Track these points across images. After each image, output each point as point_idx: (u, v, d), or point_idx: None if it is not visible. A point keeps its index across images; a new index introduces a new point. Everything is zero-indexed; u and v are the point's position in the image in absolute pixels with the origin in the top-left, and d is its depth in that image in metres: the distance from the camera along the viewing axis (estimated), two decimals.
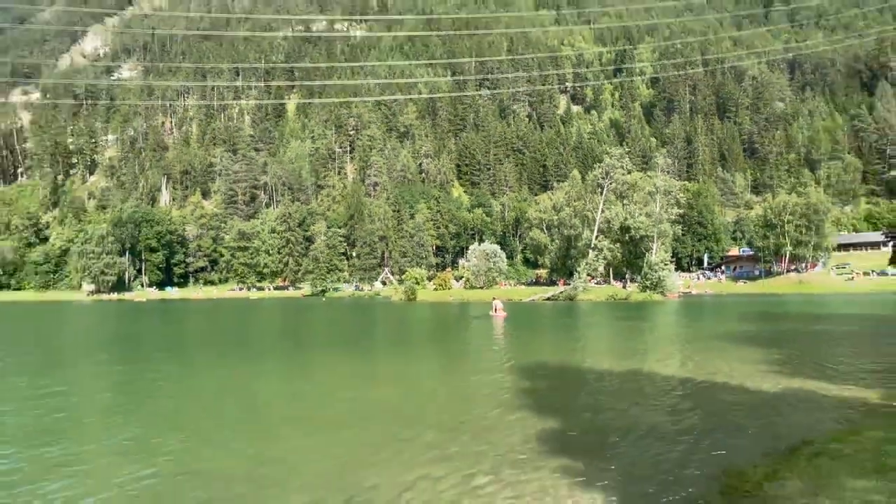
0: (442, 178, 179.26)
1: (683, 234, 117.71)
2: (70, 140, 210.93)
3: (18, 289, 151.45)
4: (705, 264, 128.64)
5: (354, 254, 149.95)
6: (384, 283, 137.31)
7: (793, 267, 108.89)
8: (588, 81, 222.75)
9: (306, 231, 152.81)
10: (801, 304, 65.02)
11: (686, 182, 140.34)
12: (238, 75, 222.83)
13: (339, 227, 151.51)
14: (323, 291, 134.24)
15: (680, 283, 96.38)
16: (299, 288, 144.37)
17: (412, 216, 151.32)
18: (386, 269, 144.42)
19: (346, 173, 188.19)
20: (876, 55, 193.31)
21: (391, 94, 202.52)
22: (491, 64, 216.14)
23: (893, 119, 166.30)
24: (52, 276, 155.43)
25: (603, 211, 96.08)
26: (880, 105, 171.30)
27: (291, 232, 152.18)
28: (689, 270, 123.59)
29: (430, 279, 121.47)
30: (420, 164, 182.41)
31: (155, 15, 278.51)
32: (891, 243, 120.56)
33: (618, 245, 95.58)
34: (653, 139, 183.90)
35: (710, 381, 19.01)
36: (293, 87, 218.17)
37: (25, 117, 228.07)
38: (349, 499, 9.19)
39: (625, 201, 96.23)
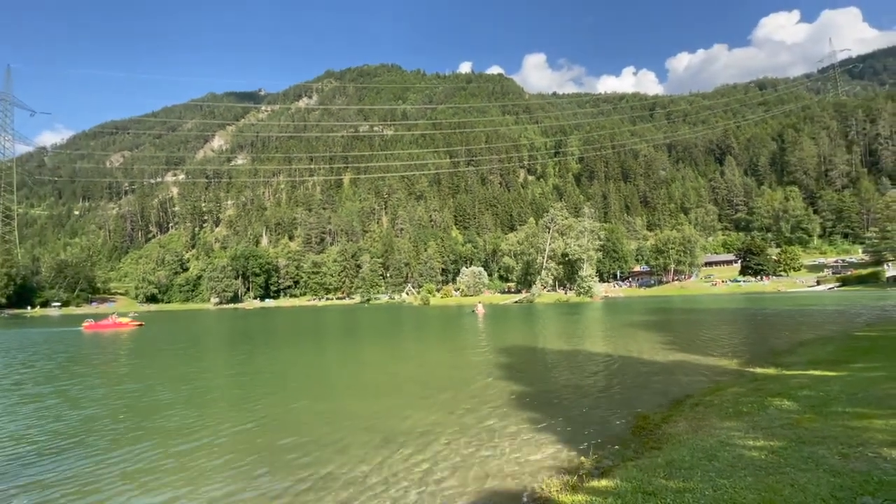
0: (444, 224, 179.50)
1: (603, 258, 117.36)
2: (203, 205, 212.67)
3: (168, 302, 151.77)
4: (618, 277, 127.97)
5: (388, 274, 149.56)
6: (408, 294, 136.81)
7: (676, 278, 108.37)
8: (537, 160, 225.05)
9: (356, 260, 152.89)
10: (682, 302, 64.58)
11: (604, 223, 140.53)
12: (311, 161, 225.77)
13: (378, 258, 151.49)
14: (367, 300, 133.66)
15: (602, 289, 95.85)
16: (352, 298, 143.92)
17: (426, 249, 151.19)
18: (409, 284, 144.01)
19: (382, 222, 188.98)
20: (723, 139, 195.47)
21: (411, 171, 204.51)
22: (475, 150, 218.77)
23: (736, 180, 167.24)
24: (190, 293, 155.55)
25: (550, 243, 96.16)
26: (727, 171, 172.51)
27: (346, 261, 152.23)
28: (607, 281, 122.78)
29: (438, 290, 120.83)
30: (430, 216, 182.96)
31: (258, 124, 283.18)
32: (739, 261, 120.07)
33: (560, 266, 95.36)
34: (581, 196, 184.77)
35: (624, 355, 18.76)
36: (347, 167, 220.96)
37: (175, 190, 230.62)
38: (388, 437, 9.06)
39: (564, 237, 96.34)
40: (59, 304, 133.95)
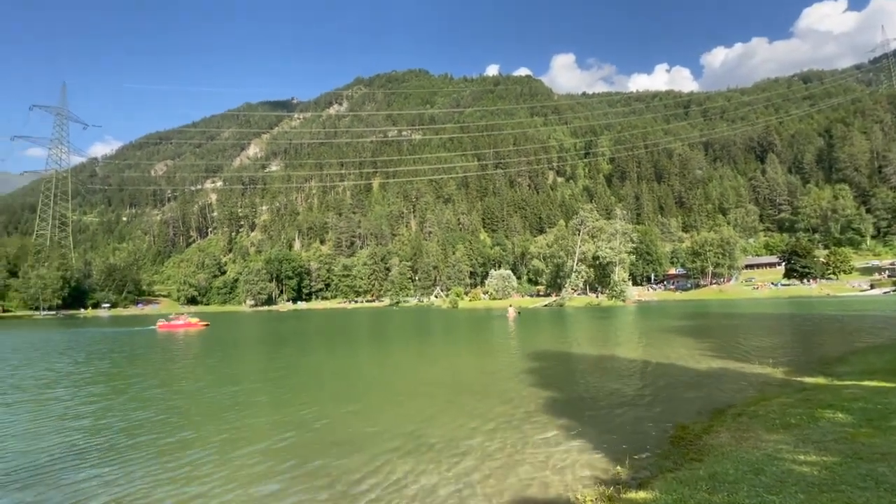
0: (472, 228, 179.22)
1: (636, 260, 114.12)
2: (239, 210, 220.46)
3: (207, 304, 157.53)
4: (652, 280, 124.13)
5: (417, 277, 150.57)
6: (436, 297, 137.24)
7: (714, 281, 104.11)
8: (567, 162, 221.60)
9: (385, 263, 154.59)
10: (720, 306, 61.92)
11: (636, 225, 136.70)
12: (342, 166, 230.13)
13: (407, 261, 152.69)
14: (397, 302, 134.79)
15: (635, 293, 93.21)
16: (381, 300, 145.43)
17: (454, 252, 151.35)
18: (437, 287, 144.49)
19: (410, 226, 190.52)
20: (765, 136, 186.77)
21: (439, 175, 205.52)
22: (503, 153, 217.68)
23: (779, 179, 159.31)
24: (227, 295, 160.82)
25: (580, 246, 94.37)
26: (769, 170, 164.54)
27: (376, 264, 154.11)
28: (641, 284, 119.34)
29: (466, 293, 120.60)
30: (458, 219, 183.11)
31: (291, 131, 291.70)
32: (783, 263, 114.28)
33: (591, 269, 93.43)
34: (612, 198, 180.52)
35: (659, 361, 18.15)
36: (376, 172, 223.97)
37: (213, 196, 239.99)
38: (420, 441, 9.07)
39: (595, 239, 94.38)
40: (108, 305, 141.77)
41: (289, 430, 10.11)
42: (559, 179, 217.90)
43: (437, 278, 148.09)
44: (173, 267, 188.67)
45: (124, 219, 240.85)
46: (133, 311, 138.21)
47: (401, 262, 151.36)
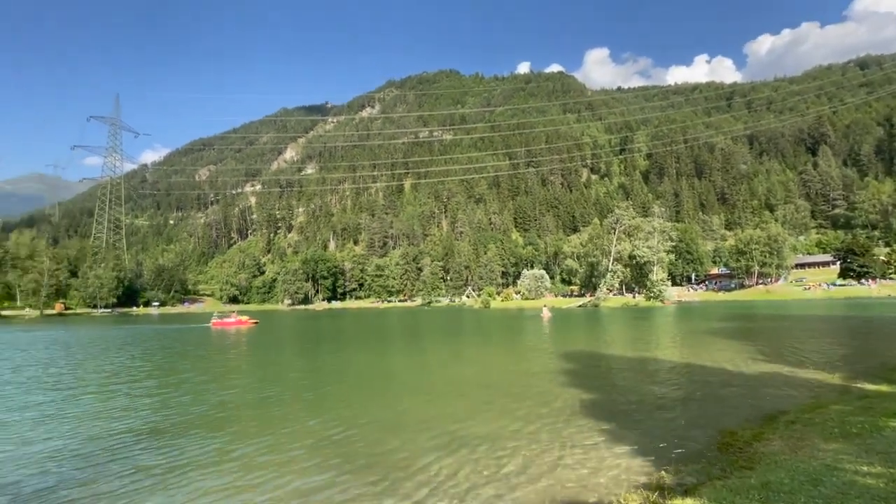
0: (504, 227, 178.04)
1: (676, 259, 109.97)
2: (277, 212, 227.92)
3: (247, 302, 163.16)
4: (693, 280, 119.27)
5: (448, 277, 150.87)
6: (468, 297, 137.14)
7: (760, 281, 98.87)
8: (601, 159, 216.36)
9: (417, 263, 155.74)
10: (768, 308, 58.71)
11: (675, 223, 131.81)
12: (374, 168, 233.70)
13: (439, 261, 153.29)
14: (429, 302, 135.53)
15: (674, 293, 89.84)
16: (413, 300, 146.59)
17: (485, 252, 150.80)
18: (469, 287, 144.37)
19: (442, 226, 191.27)
20: (816, 127, 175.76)
21: (470, 175, 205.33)
22: (535, 151, 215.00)
23: (833, 172, 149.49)
24: (266, 294, 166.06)
25: (616, 245, 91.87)
26: (822, 163, 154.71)
27: (408, 264, 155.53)
28: (680, 284, 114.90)
29: (498, 293, 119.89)
30: (490, 219, 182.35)
31: (326, 135, 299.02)
32: (838, 262, 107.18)
33: (628, 268, 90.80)
34: (650, 195, 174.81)
35: (702, 364, 17.44)
36: (408, 173, 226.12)
37: (252, 199, 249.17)
38: (455, 441, 9.10)
39: (631, 238, 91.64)
40: (158, 303, 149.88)
41: (334, 427, 10.33)
42: (593, 177, 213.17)
43: (469, 278, 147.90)
44: (216, 267, 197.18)
45: (171, 222, 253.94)
46: (180, 309, 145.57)
47: (432, 262, 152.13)
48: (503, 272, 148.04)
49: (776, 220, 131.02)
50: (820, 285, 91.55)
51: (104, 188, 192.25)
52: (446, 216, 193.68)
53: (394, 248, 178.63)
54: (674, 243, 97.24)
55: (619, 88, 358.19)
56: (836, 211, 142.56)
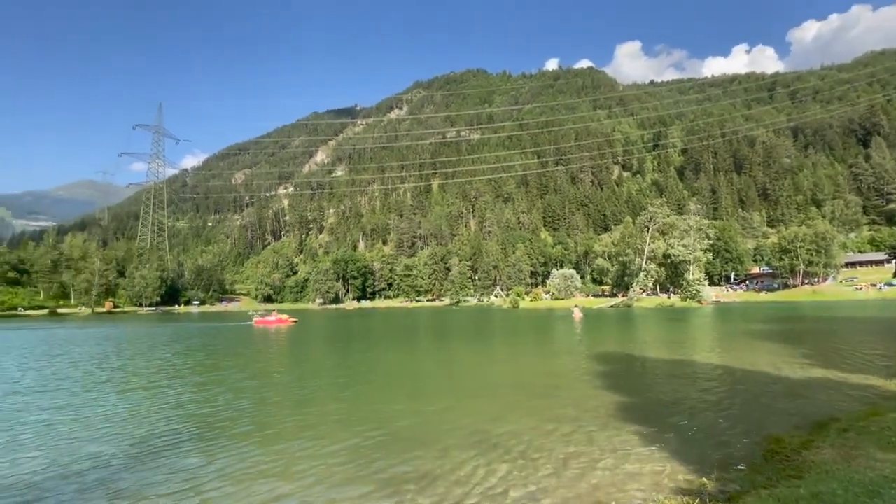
0: (533, 226, 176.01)
1: (714, 258, 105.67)
2: (308, 214, 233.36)
3: (281, 301, 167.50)
4: (732, 280, 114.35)
5: (476, 277, 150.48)
6: (496, 296, 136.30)
7: (806, 281, 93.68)
8: (633, 155, 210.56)
9: (445, 263, 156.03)
10: (814, 309, 55.51)
11: (713, 221, 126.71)
12: (402, 169, 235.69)
13: (467, 261, 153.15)
14: (457, 302, 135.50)
15: (712, 293, 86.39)
16: (442, 300, 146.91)
17: (514, 252, 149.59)
18: (497, 287, 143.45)
19: (470, 226, 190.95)
20: (868, 117, 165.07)
21: (497, 174, 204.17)
22: (564, 148, 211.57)
23: (888, 164, 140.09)
24: (299, 294, 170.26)
25: (649, 244, 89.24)
26: (875, 155, 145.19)
27: (436, 264, 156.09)
28: (719, 284, 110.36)
29: (527, 293, 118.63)
30: (518, 218, 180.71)
31: (355, 137, 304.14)
32: (894, 260, 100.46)
33: (662, 268, 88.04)
34: (685, 192, 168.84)
35: (744, 367, 16.74)
36: (436, 173, 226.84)
37: (285, 202, 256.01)
38: (487, 441, 9.10)
39: (666, 236, 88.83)
40: (198, 302, 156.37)
41: (369, 424, 10.53)
42: (625, 174, 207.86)
43: (497, 278, 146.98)
44: (251, 267, 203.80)
45: (210, 224, 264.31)
46: (218, 307, 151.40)
47: (460, 261, 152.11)
48: (532, 272, 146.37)
49: (823, 217, 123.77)
50: (873, 285, 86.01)
51: (148, 192, 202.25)
52: (474, 216, 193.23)
53: (422, 248, 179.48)
54: (711, 241, 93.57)
55: (651, 82, 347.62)
56: (892, 206, 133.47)
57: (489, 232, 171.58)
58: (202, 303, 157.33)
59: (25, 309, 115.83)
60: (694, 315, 52.85)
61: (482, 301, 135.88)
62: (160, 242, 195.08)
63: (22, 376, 18.84)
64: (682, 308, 69.99)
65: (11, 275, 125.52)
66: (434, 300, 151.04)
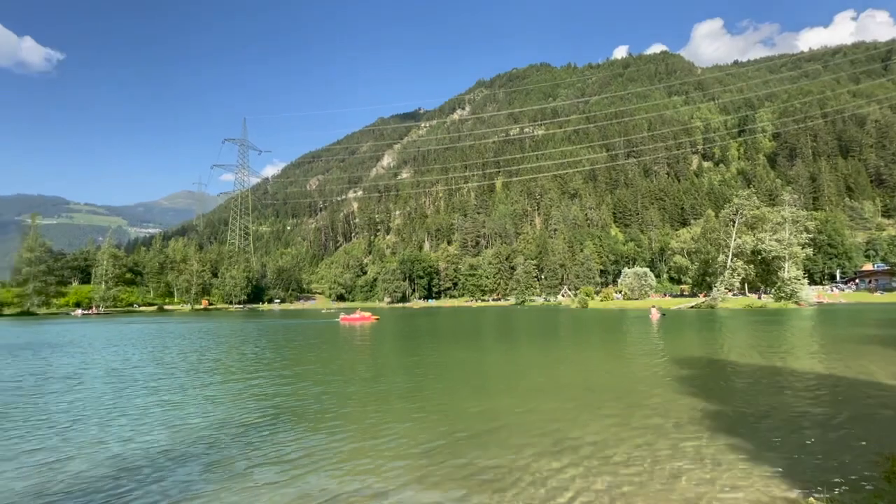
0: (602, 223, 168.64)
1: (815, 254, 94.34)
2: (376, 216, 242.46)
3: (352, 300, 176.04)
4: (838, 278, 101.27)
5: (542, 276, 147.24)
6: (563, 296, 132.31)
7: None
8: (715, 143, 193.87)
9: (510, 262, 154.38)
10: None
11: (813, 212, 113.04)
12: (465, 169, 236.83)
13: (532, 260, 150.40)
14: (522, 302, 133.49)
15: (813, 294, 76.98)
16: (507, 299, 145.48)
17: (582, 250, 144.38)
18: (565, 286, 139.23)
19: (535, 224, 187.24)
20: None
21: (563, 170, 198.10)
22: (635, 140, 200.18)
23: None
24: (368, 293, 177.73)
25: (735, 239, 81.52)
26: None
27: (501, 263, 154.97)
28: (821, 283, 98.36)
29: (597, 293, 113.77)
30: (586, 214, 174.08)
31: (419, 139, 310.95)
32: None
33: (750, 265, 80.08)
34: (777, 180, 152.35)
35: (855, 377, 14.70)
36: (499, 171, 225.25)
37: (355, 205, 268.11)
38: (561, 443, 8.84)
39: (755, 230, 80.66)
40: (279, 300, 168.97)
41: (447, 424, 10.56)
42: (705, 164, 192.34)
43: (565, 277, 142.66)
44: (325, 268, 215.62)
45: (288, 228, 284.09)
46: (297, 305, 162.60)
47: (526, 260, 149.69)
48: (601, 270, 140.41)
49: None
50: None
51: (235, 200, 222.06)
52: (539, 214, 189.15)
53: (486, 247, 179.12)
54: (811, 235, 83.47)
55: (735, 62, 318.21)
56: None
57: (555, 230, 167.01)
58: (282, 301, 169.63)
59: (139, 305, 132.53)
60: (791, 317, 47.47)
61: (548, 301, 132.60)
62: (246, 246, 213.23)
63: (143, 364, 21.56)
64: (775, 310, 63.15)
65: (129, 276, 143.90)
66: (499, 300, 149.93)
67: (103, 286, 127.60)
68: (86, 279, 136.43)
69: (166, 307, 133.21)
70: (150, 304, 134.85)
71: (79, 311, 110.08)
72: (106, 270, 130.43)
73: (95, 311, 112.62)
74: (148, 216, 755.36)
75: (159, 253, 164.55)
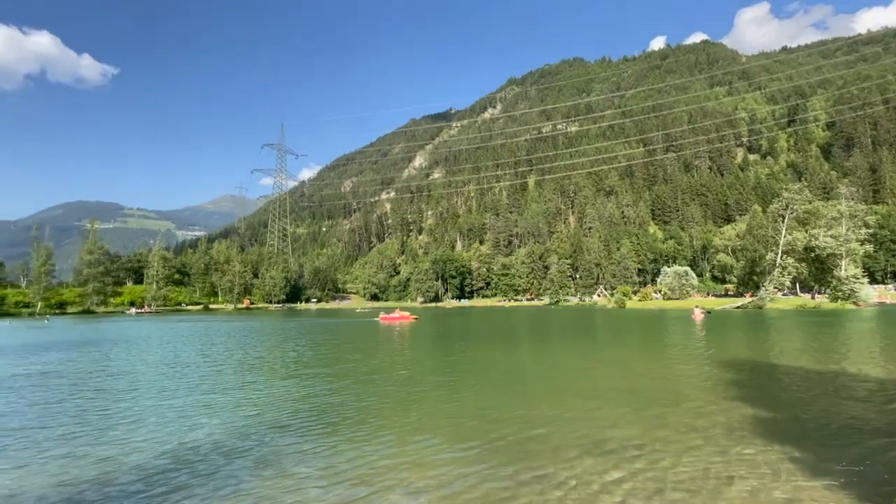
0: (639, 220, 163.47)
1: (876, 251, 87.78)
2: (409, 216, 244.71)
3: (386, 300, 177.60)
4: None
5: (577, 276, 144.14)
6: (599, 296, 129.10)
7: None
8: (762, 135, 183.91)
9: (544, 262, 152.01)
10: None
11: (873, 206, 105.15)
12: (497, 168, 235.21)
13: (566, 259, 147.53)
14: (556, 301, 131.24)
15: (874, 293, 71.70)
16: (541, 299, 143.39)
17: (618, 248, 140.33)
18: (601, 286, 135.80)
19: (569, 222, 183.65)
20: None
21: (597, 166, 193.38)
22: (674, 134, 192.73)
23: None
24: (402, 292, 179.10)
25: (785, 235, 77.00)
26: None
27: (534, 263, 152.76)
28: (883, 283, 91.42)
29: (634, 293, 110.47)
30: (622, 212, 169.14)
31: (450, 140, 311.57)
32: None
33: (802, 263, 75.42)
34: (832, 173, 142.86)
35: None
36: (531, 170, 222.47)
37: (388, 206, 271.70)
38: (602, 446, 8.67)
39: (806, 226, 75.91)
40: (315, 300, 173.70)
41: (486, 427, 10.59)
42: (751, 157, 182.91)
43: (600, 276, 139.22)
44: (359, 268, 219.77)
45: (324, 229, 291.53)
46: (332, 304, 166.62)
47: (559, 259, 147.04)
48: (639, 270, 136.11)
49: None
50: None
51: (274, 203, 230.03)
52: (573, 212, 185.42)
53: (519, 246, 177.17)
54: (870, 230, 77.68)
55: (784, 49, 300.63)
56: None
57: (590, 228, 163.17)
58: (319, 301, 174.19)
59: (187, 304, 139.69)
60: (849, 318, 44.41)
61: (584, 301, 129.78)
62: (284, 247, 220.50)
63: (194, 362, 22.74)
64: (831, 310, 59.25)
65: (177, 276, 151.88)
66: (532, 299, 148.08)
67: (154, 286, 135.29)
68: (139, 280, 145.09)
69: (211, 306, 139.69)
70: (197, 304, 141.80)
71: (133, 310, 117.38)
72: (157, 272, 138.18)
73: (148, 310, 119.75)
74: (194, 219, 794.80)
75: (204, 255, 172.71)
